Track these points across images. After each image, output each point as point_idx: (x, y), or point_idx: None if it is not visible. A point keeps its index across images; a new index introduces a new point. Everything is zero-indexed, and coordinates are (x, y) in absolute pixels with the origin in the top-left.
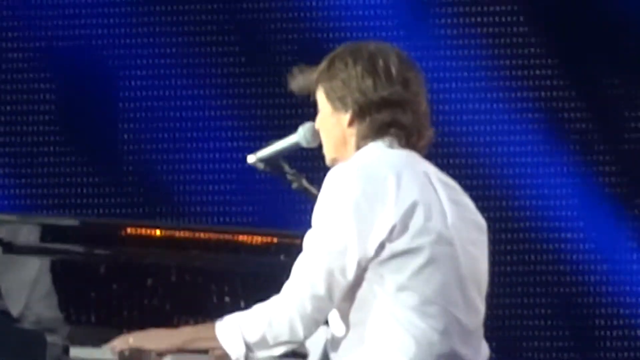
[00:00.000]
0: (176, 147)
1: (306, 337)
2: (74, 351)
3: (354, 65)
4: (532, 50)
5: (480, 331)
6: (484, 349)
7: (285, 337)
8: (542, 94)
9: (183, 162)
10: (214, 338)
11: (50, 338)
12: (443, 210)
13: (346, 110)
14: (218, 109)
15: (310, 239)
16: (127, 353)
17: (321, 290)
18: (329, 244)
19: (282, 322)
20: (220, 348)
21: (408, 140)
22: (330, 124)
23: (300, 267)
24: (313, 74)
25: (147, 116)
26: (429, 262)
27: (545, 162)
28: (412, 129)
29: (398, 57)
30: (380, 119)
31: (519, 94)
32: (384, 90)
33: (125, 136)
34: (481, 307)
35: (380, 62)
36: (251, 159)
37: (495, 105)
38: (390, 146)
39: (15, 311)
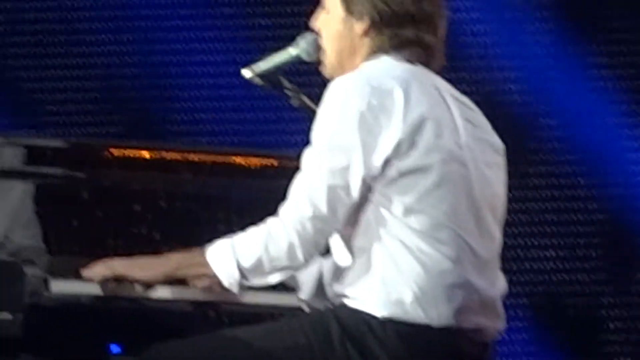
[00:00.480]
0: (164, 60)
1: (306, 261)
2: (55, 284)
3: None
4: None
5: (496, 261)
6: (501, 281)
7: (283, 261)
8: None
9: (171, 77)
10: (205, 264)
11: (28, 270)
12: (456, 127)
13: (362, 18)
14: (208, 16)
15: (309, 156)
16: (109, 283)
17: (323, 209)
18: (331, 160)
19: (280, 244)
20: (211, 275)
21: (426, 59)
22: (339, 29)
23: (299, 185)
24: None
25: (131, 26)
26: (439, 183)
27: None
28: (434, 49)
29: None
30: (403, 34)
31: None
32: (411, 4)
33: (110, 49)
34: (497, 234)
35: None
36: (247, 73)
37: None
38: (402, 60)
39: None
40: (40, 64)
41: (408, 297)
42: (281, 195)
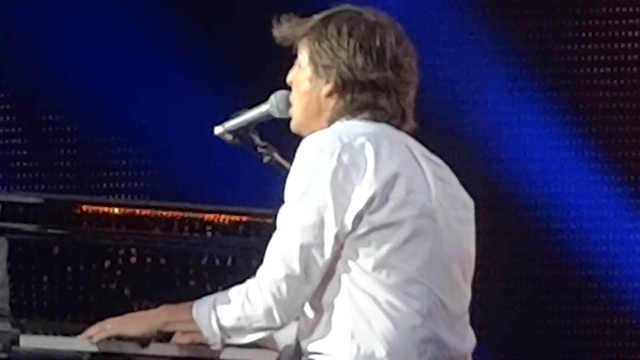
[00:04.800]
0: (136, 117)
1: (285, 323)
2: (25, 340)
3: (348, 35)
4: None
5: (466, 317)
6: (470, 337)
7: (261, 322)
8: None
9: (142, 133)
10: (191, 321)
11: None
12: (427, 184)
13: (327, 81)
14: (180, 73)
15: (283, 215)
16: (106, 342)
17: (296, 269)
18: (303, 218)
19: (257, 306)
20: (197, 331)
21: (388, 121)
22: (306, 87)
23: (274, 246)
24: (301, 26)
25: (100, 83)
26: (411, 237)
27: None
28: (395, 114)
29: (396, 36)
30: (360, 99)
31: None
32: (372, 73)
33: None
34: (467, 290)
35: (377, 40)
36: (218, 130)
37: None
38: (367, 120)
39: None
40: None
41: (379, 352)
42: (251, 252)
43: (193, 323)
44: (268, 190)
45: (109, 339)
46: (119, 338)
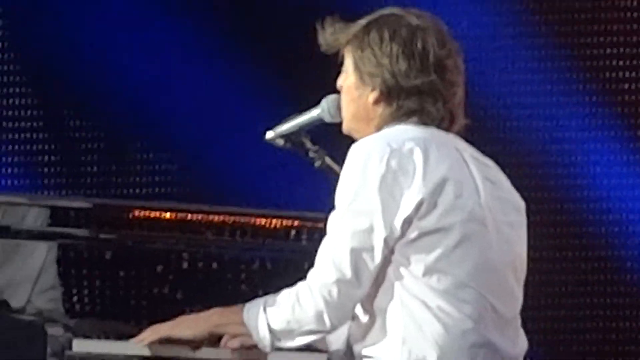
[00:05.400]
0: (187, 123)
1: (335, 327)
2: (78, 344)
3: (390, 41)
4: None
5: (518, 320)
6: (522, 340)
7: (311, 326)
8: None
9: (194, 139)
10: (242, 323)
11: (51, 330)
12: (476, 188)
13: (373, 88)
14: (233, 79)
15: (333, 220)
16: (158, 346)
17: (348, 273)
18: (353, 223)
19: (307, 309)
20: (247, 335)
21: (437, 126)
22: (354, 95)
23: (324, 250)
24: (344, 33)
25: (156, 88)
26: (461, 242)
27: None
28: (443, 118)
29: (439, 37)
30: (407, 105)
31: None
32: (417, 78)
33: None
34: (519, 293)
35: (419, 44)
36: (270, 135)
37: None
38: (416, 124)
39: (16, 302)
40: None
41: (430, 357)
42: (303, 256)
43: (244, 325)
44: (320, 195)
45: (160, 342)
46: (170, 341)
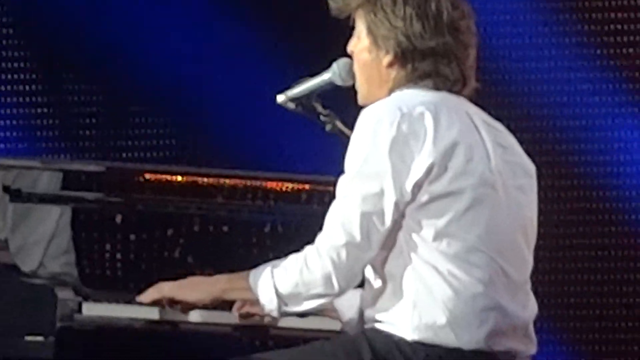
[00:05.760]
0: (195, 85)
1: (343, 290)
2: (88, 307)
3: (403, 4)
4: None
5: (528, 284)
6: (532, 305)
7: (319, 289)
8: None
9: (202, 101)
10: (249, 288)
11: (61, 293)
12: (486, 152)
13: (387, 51)
14: (242, 40)
15: (343, 184)
16: (162, 304)
17: (357, 236)
18: (363, 187)
19: (316, 272)
20: (254, 300)
21: (450, 88)
22: (367, 58)
23: (333, 213)
24: None
25: (166, 51)
26: (471, 206)
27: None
28: (456, 80)
29: (452, 0)
30: (421, 67)
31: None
32: (431, 40)
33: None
34: (529, 257)
35: (432, 6)
36: (281, 98)
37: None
38: (428, 88)
39: (28, 266)
40: (76, 89)
41: (440, 320)
42: (313, 220)
43: (250, 290)
44: (331, 158)
45: (163, 305)
46: (174, 302)
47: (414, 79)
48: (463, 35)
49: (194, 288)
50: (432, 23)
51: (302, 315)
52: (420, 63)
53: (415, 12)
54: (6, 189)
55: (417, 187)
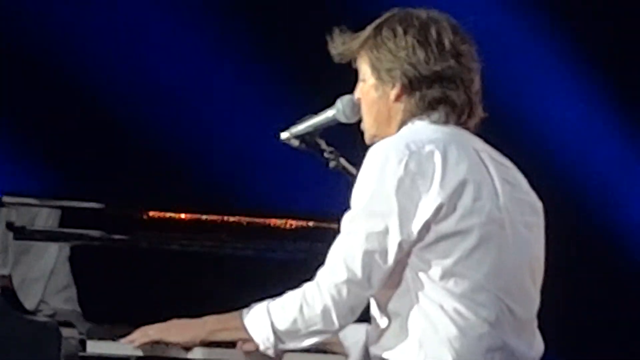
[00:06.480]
0: (200, 124)
1: (341, 327)
2: (92, 345)
3: (403, 34)
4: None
5: (534, 323)
6: (538, 343)
7: (318, 325)
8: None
9: (208, 140)
10: (241, 328)
11: (66, 331)
12: (495, 189)
13: (394, 84)
14: (247, 81)
15: (348, 220)
16: (148, 347)
17: (358, 273)
18: (368, 225)
19: (315, 308)
20: (248, 339)
21: (458, 117)
22: (374, 97)
23: (336, 250)
24: (355, 40)
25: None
26: (479, 245)
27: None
28: (464, 106)
29: (451, 27)
30: (430, 94)
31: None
32: (436, 64)
33: (146, 116)
34: (536, 295)
35: (433, 33)
36: (284, 135)
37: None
38: (437, 122)
39: (30, 303)
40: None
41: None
42: (317, 257)
43: (243, 330)
44: (334, 195)
45: (151, 344)
46: (161, 344)
47: (424, 108)
48: (465, 59)
49: (180, 330)
50: (435, 49)
51: (308, 351)
52: (428, 90)
53: (416, 40)
54: (10, 225)
55: (425, 227)
